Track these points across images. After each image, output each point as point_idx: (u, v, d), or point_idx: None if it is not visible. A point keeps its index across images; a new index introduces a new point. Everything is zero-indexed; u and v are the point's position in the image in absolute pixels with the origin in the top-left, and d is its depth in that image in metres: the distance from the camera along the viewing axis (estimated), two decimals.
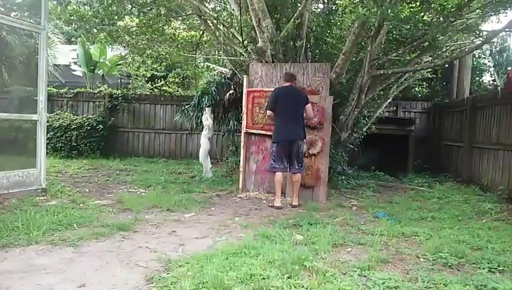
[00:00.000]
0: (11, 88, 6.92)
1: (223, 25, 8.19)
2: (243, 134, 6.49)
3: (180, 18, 10.31)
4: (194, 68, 11.77)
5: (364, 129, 8.15)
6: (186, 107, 8.39)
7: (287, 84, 5.68)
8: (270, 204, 5.51)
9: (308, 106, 5.57)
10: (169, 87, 14.60)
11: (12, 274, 2.81)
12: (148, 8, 9.50)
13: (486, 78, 12.10)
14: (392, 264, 3.19)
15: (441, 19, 6.41)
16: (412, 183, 7.93)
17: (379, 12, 5.40)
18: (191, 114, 8.16)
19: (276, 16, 6.94)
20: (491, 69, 11.21)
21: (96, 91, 11.49)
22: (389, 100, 8.67)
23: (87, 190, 6.11)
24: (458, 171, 8.41)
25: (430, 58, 8.01)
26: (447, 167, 9.07)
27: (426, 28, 6.49)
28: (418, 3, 6.78)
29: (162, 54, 11.18)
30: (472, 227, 4.44)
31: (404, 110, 10.38)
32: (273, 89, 5.92)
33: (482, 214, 5.23)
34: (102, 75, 14.75)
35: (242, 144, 6.47)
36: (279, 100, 5.55)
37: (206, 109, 7.74)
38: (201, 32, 9.96)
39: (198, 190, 6.42)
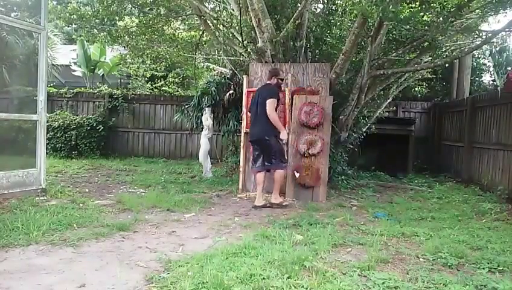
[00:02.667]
0: (11, 88, 6.92)
1: (223, 25, 8.20)
2: (242, 134, 6.49)
3: (180, 18, 10.32)
4: (194, 68, 11.77)
5: (364, 129, 8.15)
6: (186, 107, 8.39)
7: (267, 82, 5.68)
8: (253, 205, 5.41)
9: (268, 101, 5.28)
10: (169, 87, 14.61)
11: (12, 274, 2.81)
12: (148, 8, 9.50)
13: (486, 78, 12.11)
14: (392, 264, 3.19)
15: (441, 19, 6.41)
16: (412, 183, 7.93)
17: (381, 8, 5.39)
18: (191, 114, 8.17)
19: (276, 16, 6.95)
20: (491, 69, 11.21)
21: (96, 91, 11.49)
22: (389, 100, 8.67)
23: (87, 190, 6.11)
24: (458, 171, 8.41)
25: (430, 58, 8.01)
26: (447, 167, 9.07)
27: (426, 28, 6.50)
28: (418, 3, 6.78)
29: (162, 54, 11.19)
30: (472, 227, 4.44)
31: (404, 110, 10.38)
32: None
33: (482, 214, 5.23)
34: (102, 75, 14.75)
35: (242, 144, 6.47)
36: (252, 101, 5.58)
37: (206, 109, 7.75)
38: (201, 33, 9.97)
39: (198, 190, 6.42)
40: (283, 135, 5.40)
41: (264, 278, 2.71)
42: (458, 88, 10.33)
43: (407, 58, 7.74)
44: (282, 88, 6.01)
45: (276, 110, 5.39)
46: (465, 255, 3.37)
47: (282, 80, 5.73)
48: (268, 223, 4.42)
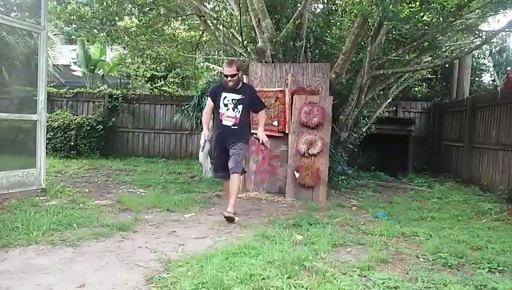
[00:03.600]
0: (11, 88, 6.92)
1: (223, 25, 8.20)
2: None
3: (180, 18, 10.32)
4: (193, 68, 11.77)
5: (364, 129, 8.15)
6: (186, 107, 8.39)
7: None
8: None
9: None
10: (169, 87, 14.60)
11: (12, 274, 2.81)
12: (148, 8, 9.50)
13: (486, 78, 12.11)
14: (392, 264, 3.19)
15: (441, 19, 6.42)
16: (412, 183, 7.93)
17: (381, 8, 5.39)
18: (191, 114, 8.17)
19: (276, 16, 6.95)
20: (491, 69, 11.20)
21: (96, 91, 11.49)
22: (389, 100, 8.67)
23: (87, 190, 6.11)
24: (458, 171, 8.41)
25: (430, 58, 8.02)
26: (447, 167, 9.07)
27: (426, 28, 6.50)
28: (418, 3, 6.78)
29: (162, 54, 11.19)
30: (472, 227, 4.44)
31: (404, 110, 10.38)
32: (272, 90, 5.91)
33: (482, 214, 5.23)
34: (102, 75, 14.75)
35: None
36: None
37: None
38: (201, 32, 9.97)
39: (198, 190, 6.42)
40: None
41: (264, 278, 2.71)
42: (458, 88, 10.34)
43: (407, 58, 7.75)
44: (283, 88, 5.93)
45: (219, 108, 4.73)
46: (465, 255, 3.37)
47: (226, 76, 4.67)
48: (268, 223, 4.42)
